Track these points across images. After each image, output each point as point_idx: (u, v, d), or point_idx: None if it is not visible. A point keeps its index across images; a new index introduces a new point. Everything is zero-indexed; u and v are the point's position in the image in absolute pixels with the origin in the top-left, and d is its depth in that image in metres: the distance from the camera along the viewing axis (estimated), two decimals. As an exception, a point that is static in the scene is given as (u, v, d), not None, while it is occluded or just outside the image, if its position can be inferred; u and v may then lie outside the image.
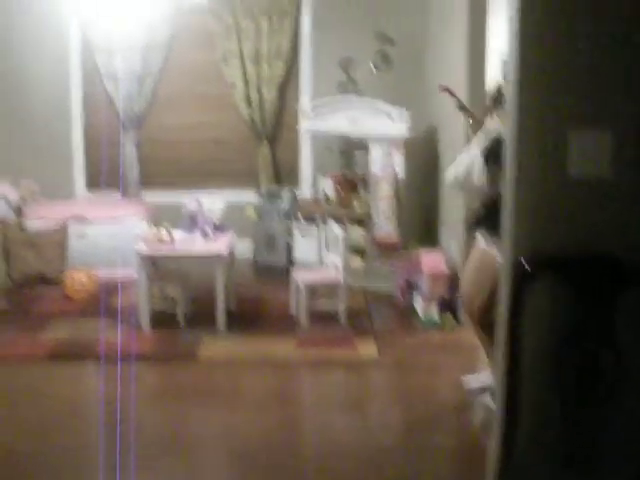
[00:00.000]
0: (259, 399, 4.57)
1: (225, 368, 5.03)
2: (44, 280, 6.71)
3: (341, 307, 5.71)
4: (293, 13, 7.33)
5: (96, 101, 7.56)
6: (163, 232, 5.63)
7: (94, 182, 7.71)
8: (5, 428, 4.20)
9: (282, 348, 5.26)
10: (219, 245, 5.67)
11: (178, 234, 5.68)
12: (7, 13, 7.35)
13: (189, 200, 5.86)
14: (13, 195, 7.12)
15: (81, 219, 6.93)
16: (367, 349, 5.24)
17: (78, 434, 4.13)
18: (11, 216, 7.01)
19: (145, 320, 5.57)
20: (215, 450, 3.98)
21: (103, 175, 7.55)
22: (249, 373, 4.95)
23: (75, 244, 6.88)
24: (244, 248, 6.93)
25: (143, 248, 5.57)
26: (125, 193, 7.56)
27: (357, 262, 6.52)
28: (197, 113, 7.63)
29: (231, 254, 5.89)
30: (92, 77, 7.55)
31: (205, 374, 4.95)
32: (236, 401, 4.55)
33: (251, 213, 7.06)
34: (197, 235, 5.69)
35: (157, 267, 5.91)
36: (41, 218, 6.95)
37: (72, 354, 5.19)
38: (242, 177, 7.58)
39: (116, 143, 7.48)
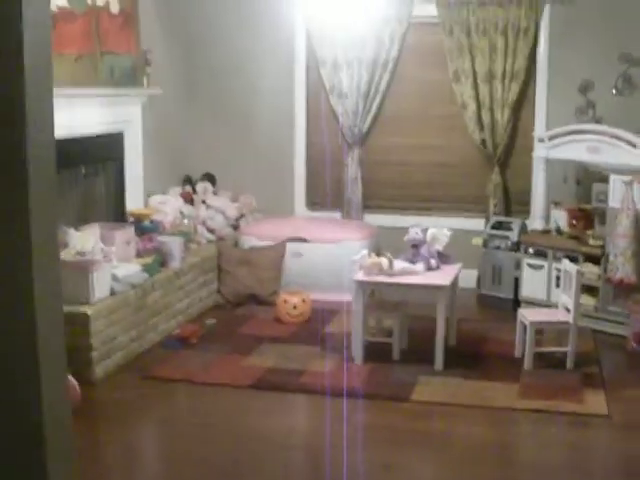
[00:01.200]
0: (473, 451, 4.14)
1: (439, 412, 4.63)
2: (256, 300, 6.56)
3: (570, 351, 5.18)
4: (530, 31, 6.84)
5: (319, 118, 7.40)
6: (383, 260, 5.32)
7: (315, 201, 7.57)
8: (196, 461, 4.04)
9: (503, 395, 4.78)
10: (443, 276, 5.31)
11: (399, 262, 5.35)
12: (234, 29, 7.36)
13: (413, 227, 5.52)
14: (231, 211, 7.07)
15: (299, 238, 6.77)
16: (596, 403, 4.66)
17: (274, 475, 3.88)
18: (228, 232, 6.96)
19: (358, 352, 5.27)
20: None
21: (325, 195, 7.41)
22: (465, 420, 4.52)
23: (290, 264, 6.72)
24: (468, 278, 6.52)
25: (361, 275, 5.29)
26: (346, 215, 7.35)
27: (588, 302, 5.97)
28: (424, 134, 7.29)
29: (454, 285, 5.50)
30: (316, 93, 7.41)
31: (418, 417, 4.57)
32: (448, 451, 4.15)
33: (477, 242, 6.64)
34: (419, 265, 5.35)
35: (375, 296, 5.63)
36: (258, 235, 6.85)
37: (276, 384, 4.95)
38: (469, 203, 7.15)
39: (338, 162, 7.30)
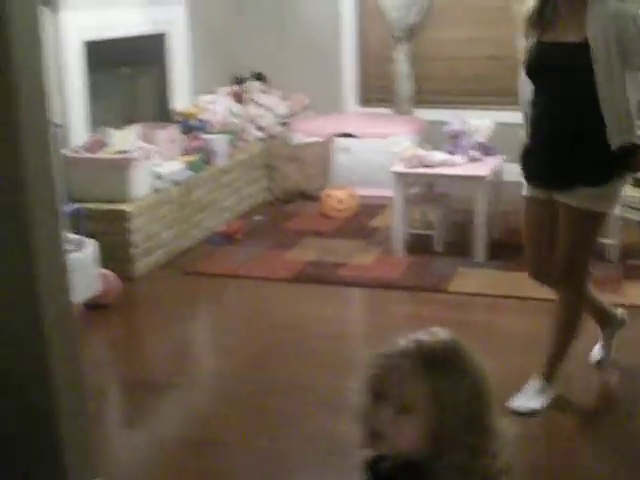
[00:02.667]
0: (514, 340, 4.12)
1: (477, 303, 4.62)
2: (304, 196, 6.57)
3: (614, 243, 5.08)
4: None
5: (369, 12, 7.26)
6: (421, 151, 5.26)
7: (365, 97, 7.47)
8: (228, 350, 4.13)
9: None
10: (483, 167, 5.23)
11: (439, 154, 5.28)
12: None
13: (453, 118, 5.43)
14: (282, 108, 7.05)
15: (347, 134, 6.72)
16: (636, 295, 4.60)
17: (308, 363, 3.95)
18: (278, 130, 6.95)
19: (399, 245, 5.27)
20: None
21: (375, 90, 7.31)
22: (504, 310, 4.51)
23: (338, 160, 6.69)
24: (515, 172, 6.39)
25: (400, 167, 5.25)
26: (396, 110, 7.24)
27: (635, 193, 5.79)
28: (473, 27, 7.08)
29: (496, 177, 5.42)
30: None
31: (455, 307, 4.57)
32: (488, 340, 4.14)
33: (524, 135, 6.48)
34: (459, 156, 5.28)
35: (419, 189, 5.59)
36: (307, 132, 6.83)
37: (316, 277, 5.00)
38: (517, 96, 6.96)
39: (388, 57, 7.17)
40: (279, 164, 6.63)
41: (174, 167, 5.49)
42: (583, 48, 3.09)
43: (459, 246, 5.32)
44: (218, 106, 6.65)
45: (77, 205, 4.64)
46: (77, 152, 5.10)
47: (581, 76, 3.12)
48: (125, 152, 5.08)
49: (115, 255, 4.79)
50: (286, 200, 6.56)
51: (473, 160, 5.28)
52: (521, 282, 4.74)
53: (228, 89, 7.11)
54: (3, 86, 2.37)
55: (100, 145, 5.14)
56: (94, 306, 4.44)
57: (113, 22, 5.58)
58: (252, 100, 7.03)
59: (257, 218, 6.16)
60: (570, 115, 3.21)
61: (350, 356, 3.86)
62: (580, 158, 3.20)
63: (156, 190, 5.22)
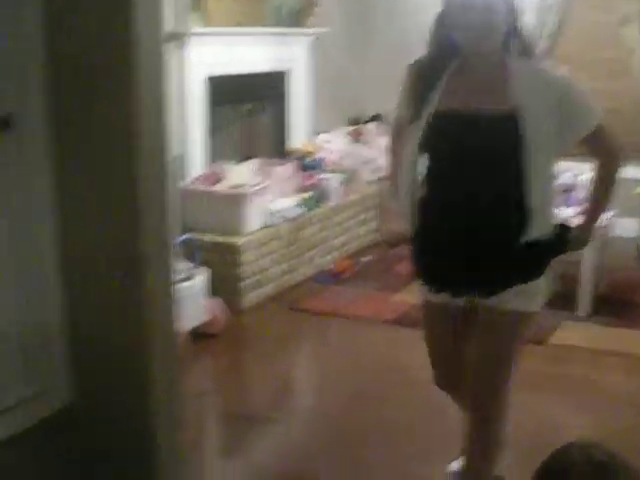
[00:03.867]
0: (613, 399, 4.02)
1: (578, 358, 4.51)
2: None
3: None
4: None
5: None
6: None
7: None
8: (335, 390, 4.14)
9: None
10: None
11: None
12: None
13: (564, 172, 5.35)
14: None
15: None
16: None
17: (407, 408, 3.92)
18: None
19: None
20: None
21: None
22: (606, 367, 4.39)
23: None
24: (629, 227, 6.25)
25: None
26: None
27: None
28: (589, 79, 6.98)
29: (605, 231, 5.30)
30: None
31: (556, 361, 4.47)
32: (587, 397, 4.04)
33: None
34: (571, 209, 5.18)
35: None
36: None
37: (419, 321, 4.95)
38: (635, 151, 6.79)
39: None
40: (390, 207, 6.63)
41: (287, 204, 5.57)
42: (507, 120, 2.44)
43: (563, 298, 5.20)
44: (334, 145, 6.72)
45: (190, 235, 4.75)
46: (194, 184, 5.23)
47: (504, 152, 2.48)
48: (240, 186, 5.19)
49: (224, 286, 4.88)
50: (395, 243, 6.54)
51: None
52: (625, 338, 4.65)
53: (345, 129, 7.18)
54: (126, 117, 2.48)
55: (217, 178, 5.27)
56: (200, 334, 4.53)
57: (237, 58, 5.73)
58: (368, 141, 7.08)
59: (365, 259, 6.18)
60: (489, 195, 2.49)
61: (450, 404, 3.81)
62: (513, 250, 2.55)
63: (268, 225, 5.30)
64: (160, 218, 2.62)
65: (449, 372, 2.87)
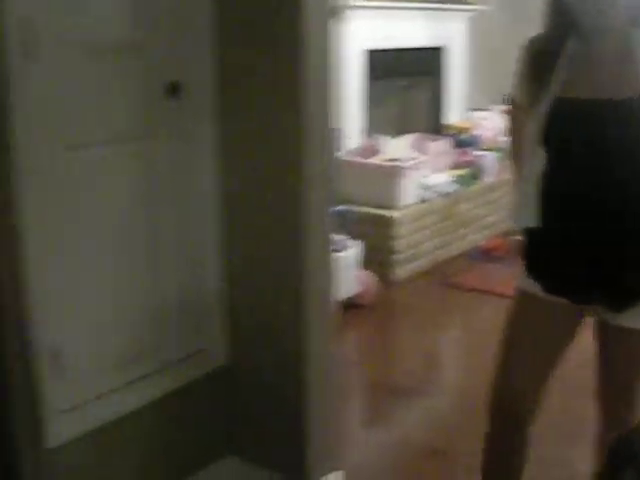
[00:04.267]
0: None
1: None
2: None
3: None
4: None
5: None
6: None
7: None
8: (482, 367, 4.11)
9: None
10: None
11: None
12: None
13: None
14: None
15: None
16: None
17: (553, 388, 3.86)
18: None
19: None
20: None
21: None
22: None
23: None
24: None
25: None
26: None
27: None
28: None
29: None
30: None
31: None
32: None
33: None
34: None
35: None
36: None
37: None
38: None
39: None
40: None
41: (442, 179, 5.56)
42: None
43: None
44: (490, 123, 6.64)
45: (345, 207, 4.82)
46: (350, 156, 5.29)
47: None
48: (396, 160, 5.22)
49: (377, 259, 4.94)
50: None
51: None
52: None
53: (501, 107, 7.08)
54: (292, 87, 2.54)
55: (373, 151, 5.31)
56: (351, 305, 4.60)
57: (394, 33, 5.74)
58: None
59: (518, 237, 6.09)
60: (633, 189, 2.11)
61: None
62: None
63: (422, 200, 5.32)
64: (322, 189, 2.67)
65: (529, 385, 2.38)
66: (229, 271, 2.85)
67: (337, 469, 2.96)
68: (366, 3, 5.42)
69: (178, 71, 2.62)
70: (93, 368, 2.54)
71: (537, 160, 2.17)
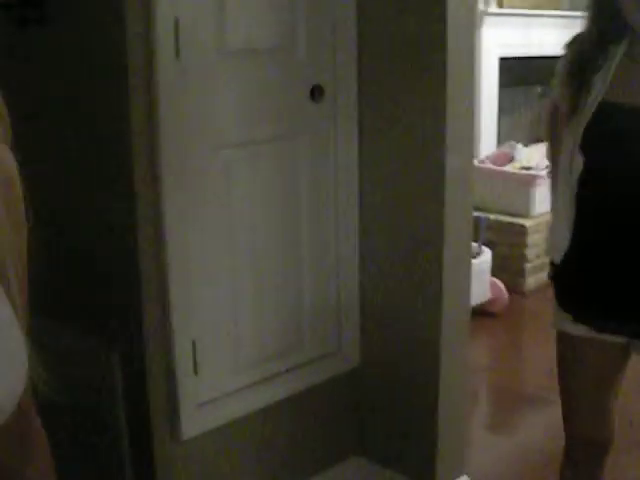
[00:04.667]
0: None
1: None
2: None
3: None
4: None
5: None
6: None
7: None
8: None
9: None
10: None
11: None
12: None
13: None
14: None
15: None
16: None
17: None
18: None
19: None
20: None
21: None
22: None
23: None
24: None
25: None
26: None
27: None
28: None
29: None
30: None
31: None
32: None
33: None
34: None
35: None
36: None
37: None
38: None
39: None
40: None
41: (576, 188, 5.46)
42: None
43: None
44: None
45: (478, 214, 4.79)
46: (484, 163, 5.26)
47: None
48: (530, 169, 5.16)
49: (508, 267, 4.90)
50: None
51: None
52: None
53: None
54: (435, 92, 2.55)
55: (507, 159, 5.27)
56: (481, 312, 4.57)
57: (529, 41, 5.68)
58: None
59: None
60: None
61: None
62: None
63: (555, 208, 5.23)
64: (463, 192, 2.68)
65: (600, 418, 2.23)
66: (366, 274, 2.88)
67: (463, 473, 2.95)
68: (502, 10, 5.39)
69: (321, 75, 2.67)
70: (228, 364, 2.61)
71: (574, 169, 1.96)
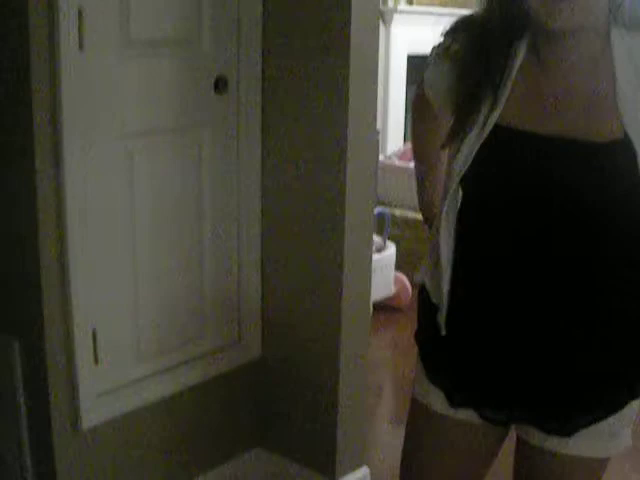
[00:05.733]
0: None
1: None
2: None
3: None
4: None
5: None
6: None
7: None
8: None
9: None
10: None
11: None
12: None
13: None
14: None
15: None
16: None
17: None
18: None
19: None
20: None
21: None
22: None
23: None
24: None
25: None
26: None
27: None
28: None
29: None
30: None
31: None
32: None
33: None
34: None
35: None
36: None
37: None
38: None
39: None
40: None
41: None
42: (616, 151, 1.39)
43: None
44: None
45: (383, 209, 4.86)
46: (391, 159, 5.33)
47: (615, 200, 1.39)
48: (435, 165, 5.25)
49: (410, 261, 4.97)
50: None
51: None
52: None
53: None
54: (340, 89, 2.58)
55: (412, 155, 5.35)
56: (385, 307, 4.64)
57: (435, 38, 5.77)
58: None
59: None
60: (590, 265, 1.44)
61: None
62: (597, 357, 1.49)
63: (459, 204, 5.33)
64: (365, 189, 2.71)
65: None
66: (267, 266, 2.90)
67: (364, 465, 3.00)
68: (410, 8, 5.47)
69: (225, 68, 2.68)
70: (129, 354, 2.60)
71: (451, 202, 1.51)
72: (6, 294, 2.49)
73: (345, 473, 2.92)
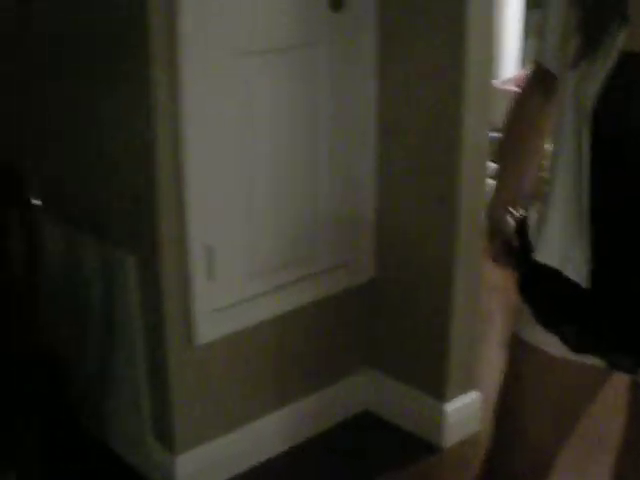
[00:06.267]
0: None
1: None
2: None
3: None
4: None
5: None
6: None
7: None
8: None
9: None
10: None
11: None
12: None
13: None
14: None
15: None
16: None
17: None
18: None
19: None
20: None
21: None
22: None
23: None
24: None
25: None
26: None
27: None
28: None
29: None
30: None
31: None
32: None
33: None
34: None
35: None
36: None
37: None
38: None
39: None
40: None
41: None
42: None
43: None
44: None
45: (497, 134, 4.75)
46: (505, 85, 5.20)
47: None
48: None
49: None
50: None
51: None
52: None
53: None
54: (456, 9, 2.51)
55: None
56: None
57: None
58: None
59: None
60: None
61: None
62: None
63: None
64: (480, 113, 2.65)
65: (544, 456, 1.73)
66: (384, 186, 2.87)
67: (473, 389, 2.99)
68: None
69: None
70: (243, 271, 2.62)
71: (577, 158, 1.39)
72: (121, 210, 2.54)
73: (455, 396, 2.92)
